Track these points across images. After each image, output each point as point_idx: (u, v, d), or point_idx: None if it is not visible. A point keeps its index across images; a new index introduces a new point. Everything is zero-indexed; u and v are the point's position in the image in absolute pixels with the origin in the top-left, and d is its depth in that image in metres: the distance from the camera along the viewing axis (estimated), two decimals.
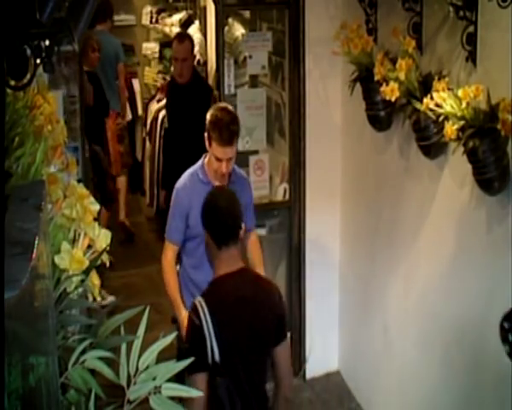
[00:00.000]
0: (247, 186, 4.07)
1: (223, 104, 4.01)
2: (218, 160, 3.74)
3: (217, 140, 3.72)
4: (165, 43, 8.05)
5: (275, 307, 3.10)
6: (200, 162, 3.93)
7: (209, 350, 2.89)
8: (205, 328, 2.90)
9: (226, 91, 4.75)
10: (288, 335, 3.24)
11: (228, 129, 3.72)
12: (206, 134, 3.79)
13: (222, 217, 3.02)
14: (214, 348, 2.89)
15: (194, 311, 2.98)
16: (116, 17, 8.23)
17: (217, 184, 3.72)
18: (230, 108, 3.93)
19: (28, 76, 1.66)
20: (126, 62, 8.29)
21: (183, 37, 5.94)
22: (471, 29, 3.16)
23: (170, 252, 3.92)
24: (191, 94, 5.66)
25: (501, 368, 2.96)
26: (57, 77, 5.15)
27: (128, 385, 1.45)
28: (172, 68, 6.24)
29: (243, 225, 3.11)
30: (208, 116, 3.80)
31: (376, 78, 3.66)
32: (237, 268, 3.06)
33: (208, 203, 3.11)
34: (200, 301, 2.98)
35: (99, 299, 1.80)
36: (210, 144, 3.78)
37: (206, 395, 2.84)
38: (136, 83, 8.48)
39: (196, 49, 6.87)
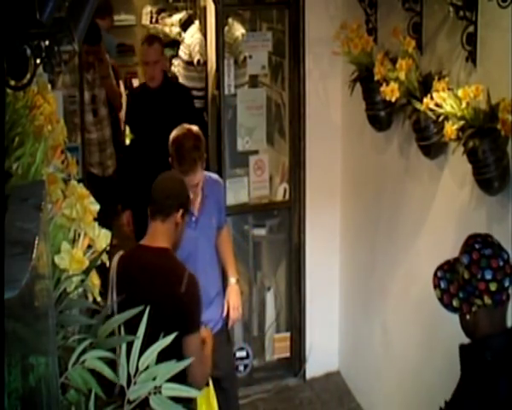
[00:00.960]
0: (220, 189, 4.10)
1: (186, 126, 3.81)
2: None
3: (178, 170, 3.64)
4: (166, 43, 8.04)
5: (178, 297, 3.11)
6: None
7: (109, 298, 3.09)
8: (110, 276, 3.16)
9: (226, 91, 4.75)
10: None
11: (189, 157, 3.65)
12: (170, 158, 3.73)
13: (155, 192, 3.25)
14: (114, 298, 3.09)
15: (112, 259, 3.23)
16: (116, 17, 8.23)
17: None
18: (195, 129, 3.79)
19: (28, 76, 1.66)
20: (126, 63, 8.30)
21: (153, 39, 5.55)
22: (471, 29, 3.17)
23: None
24: (164, 98, 5.27)
25: None
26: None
27: (128, 385, 1.45)
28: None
29: (181, 211, 3.23)
30: (171, 138, 3.73)
31: (376, 78, 3.66)
32: (159, 246, 3.21)
33: (154, 182, 3.36)
34: (119, 253, 3.26)
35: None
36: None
37: None
38: (136, 83, 8.48)
39: (196, 49, 6.86)
